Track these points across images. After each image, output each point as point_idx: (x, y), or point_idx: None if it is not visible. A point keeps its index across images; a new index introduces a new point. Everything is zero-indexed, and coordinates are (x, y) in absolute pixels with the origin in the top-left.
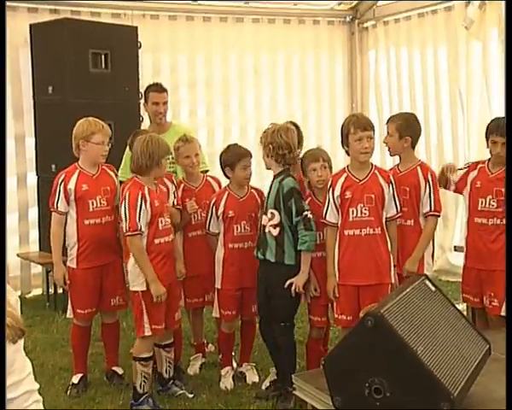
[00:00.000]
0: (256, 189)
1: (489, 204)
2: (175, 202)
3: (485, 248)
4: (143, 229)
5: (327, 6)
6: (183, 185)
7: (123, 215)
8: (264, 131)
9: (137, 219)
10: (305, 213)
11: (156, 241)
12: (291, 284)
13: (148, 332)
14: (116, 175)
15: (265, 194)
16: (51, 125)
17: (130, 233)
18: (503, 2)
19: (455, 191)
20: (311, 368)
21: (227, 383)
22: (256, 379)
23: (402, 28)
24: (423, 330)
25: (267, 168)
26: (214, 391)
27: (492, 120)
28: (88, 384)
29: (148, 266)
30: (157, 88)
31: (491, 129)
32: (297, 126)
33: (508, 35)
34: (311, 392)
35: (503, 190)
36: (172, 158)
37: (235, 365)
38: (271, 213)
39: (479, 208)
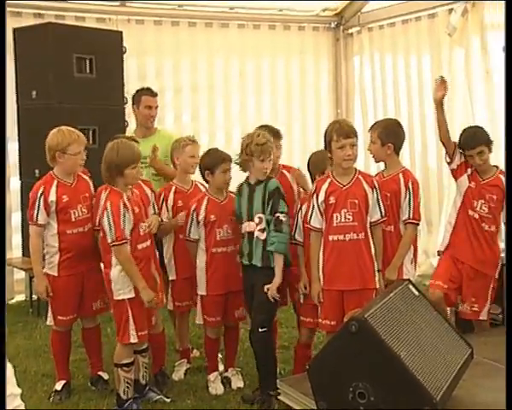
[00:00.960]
0: (233, 193)
1: (480, 208)
2: (156, 210)
3: (470, 248)
4: (128, 236)
5: (312, 12)
6: (174, 188)
7: (106, 225)
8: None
9: (122, 228)
10: (278, 214)
11: (139, 247)
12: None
13: (134, 339)
14: (90, 177)
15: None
16: (35, 130)
17: (117, 243)
18: (502, 5)
19: (452, 173)
20: (299, 373)
21: (217, 388)
22: (241, 384)
23: (386, 34)
24: (407, 335)
25: (244, 171)
26: (199, 396)
27: (461, 135)
28: (71, 391)
29: (137, 273)
30: (150, 92)
31: (463, 145)
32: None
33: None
34: (296, 397)
35: (495, 196)
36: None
37: (221, 369)
38: (259, 217)
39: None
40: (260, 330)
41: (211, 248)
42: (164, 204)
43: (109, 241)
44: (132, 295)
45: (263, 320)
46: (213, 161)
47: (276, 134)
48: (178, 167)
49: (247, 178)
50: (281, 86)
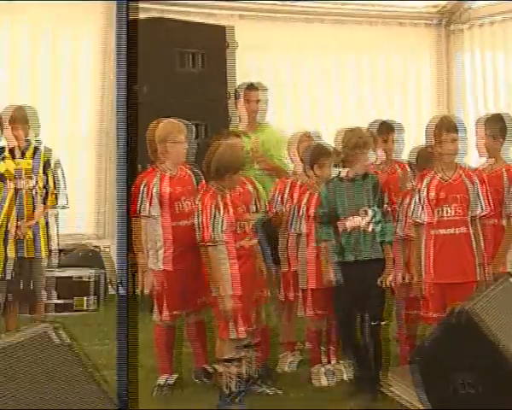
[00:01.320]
0: None
1: None
2: (258, 208)
3: None
4: (218, 238)
5: (414, 9)
6: (290, 182)
7: (196, 225)
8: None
9: (211, 229)
10: (386, 205)
11: (238, 245)
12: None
13: (233, 335)
14: (193, 172)
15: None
16: (139, 124)
17: (203, 243)
18: None
19: None
20: (403, 365)
21: (320, 379)
22: (345, 377)
23: (487, 32)
24: (508, 326)
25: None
26: (304, 389)
27: None
28: (175, 385)
29: (218, 279)
30: (251, 86)
31: None
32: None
33: None
34: (400, 388)
35: None
36: None
37: (325, 362)
38: (364, 211)
39: None
40: (373, 322)
41: (312, 243)
42: (279, 198)
43: (198, 240)
44: (231, 292)
45: (377, 313)
46: (312, 156)
47: (390, 128)
48: (294, 162)
49: (339, 173)
50: (382, 83)
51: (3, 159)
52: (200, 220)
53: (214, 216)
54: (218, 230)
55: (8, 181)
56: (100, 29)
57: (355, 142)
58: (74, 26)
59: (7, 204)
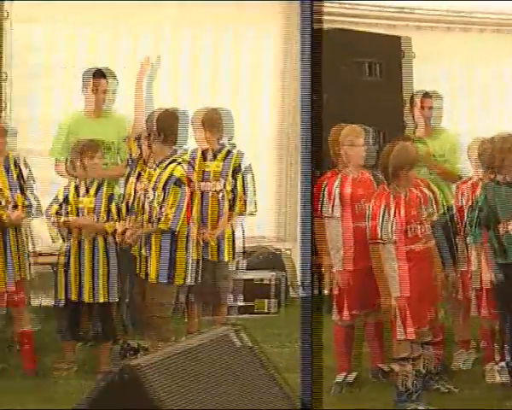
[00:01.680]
0: None
1: None
2: (436, 210)
3: None
4: (386, 237)
5: None
6: (471, 183)
7: (367, 224)
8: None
9: (380, 229)
10: None
11: (406, 248)
12: None
13: (401, 336)
14: (374, 175)
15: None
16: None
17: (372, 241)
18: None
19: None
20: None
21: (494, 377)
22: None
23: None
24: None
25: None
26: (478, 386)
27: None
28: (353, 383)
29: (384, 278)
30: (426, 94)
31: None
32: None
33: None
34: None
35: None
36: None
37: (498, 360)
38: None
39: None
40: None
41: (485, 244)
42: (462, 199)
43: (368, 239)
44: (400, 294)
45: None
46: (488, 160)
47: None
48: (474, 166)
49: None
50: None
51: (182, 163)
52: (371, 220)
53: (383, 216)
54: (388, 229)
55: (183, 186)
56: (280, 29)
57: (509, 146)
58: (255, 26)
59: (184, 209)
